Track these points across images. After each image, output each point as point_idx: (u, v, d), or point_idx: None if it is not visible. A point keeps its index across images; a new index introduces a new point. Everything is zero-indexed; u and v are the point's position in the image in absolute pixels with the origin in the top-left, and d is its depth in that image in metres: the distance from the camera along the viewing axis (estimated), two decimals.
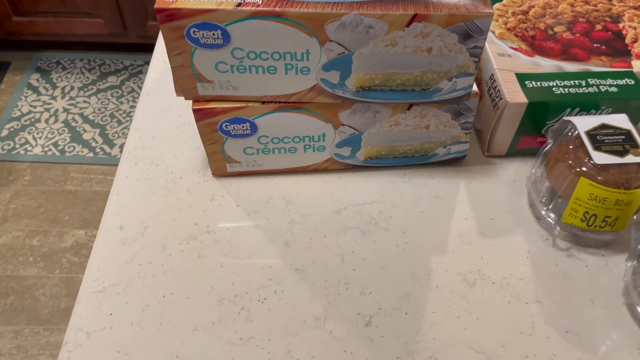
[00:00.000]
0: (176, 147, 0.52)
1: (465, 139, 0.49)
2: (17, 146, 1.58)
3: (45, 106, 1.68)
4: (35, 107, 1.68)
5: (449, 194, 0.49)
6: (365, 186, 0.50)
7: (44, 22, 1.69)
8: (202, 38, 0.40)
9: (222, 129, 0.45)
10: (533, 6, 0.56)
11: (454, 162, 0.52)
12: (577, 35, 0.53)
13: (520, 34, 0.53)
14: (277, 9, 0.38)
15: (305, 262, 0.44)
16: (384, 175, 0.50)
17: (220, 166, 0.49)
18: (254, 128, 0.46)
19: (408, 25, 0.39)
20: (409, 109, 0.46)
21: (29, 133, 1.61)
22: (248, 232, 0.46)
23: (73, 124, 1.64)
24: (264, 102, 0.44)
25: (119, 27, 1.69)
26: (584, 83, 0.49)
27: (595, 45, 0.52)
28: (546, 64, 0.50)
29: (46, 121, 1.64)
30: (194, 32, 0.39)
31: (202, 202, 0.48)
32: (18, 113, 1.66)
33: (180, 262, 0.44)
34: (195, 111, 0.44)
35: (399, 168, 0.51)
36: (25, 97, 1.71)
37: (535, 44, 0.52)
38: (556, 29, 0.53)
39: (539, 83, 0.48)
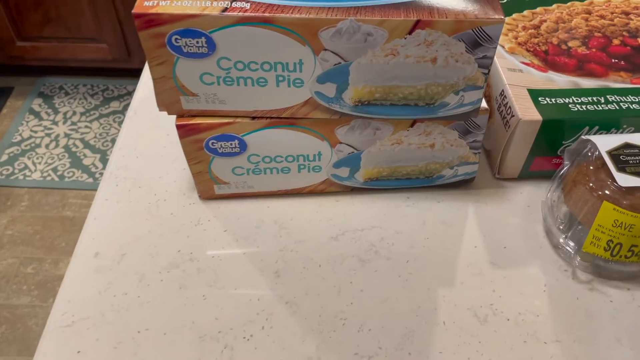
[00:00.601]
0: (161, 168, 0.48)
1: (474, 160, 0.45)
2: (16, 171, 1.55)
3: (47, 131, 1.66)
4: (36, 132, 1.66)
5: (457, 219, 0.45)
6: (365, 210, 0.46)
7: (47, 47, 1.68)
8: (184, 46, 0.36)
9: (209, 147, 0.42)
10: (545, 20, 0.52)
11: (461, 185, 0.47)
12: (593, 50, 0.49)
13: (532, 49, 0.49)
14: (266, 14, 0.35)
15: (298, 294, 0.40)
16: (385, 199, 0.46)
17: (208, 188, 0.45)
18: (243, 146, 0.42)
19: (410, 32, 0.35)
20: (412, 125, 0.42)
21: (29, 158, 1.59)
22: (235, 260, 0.42)
23: (74, 149, 1.62)
24: (254, 118, 0.41)
25: (122, 53, 1.68)
26: (602, 100, 0.45)
27: (613, 60, 0.48)
28: (561, 80, 0.46)
29: (46, 146, 1.62)
30: (175, 39, 0.36)
31: (186, 227, 0.44)
32: (19, 138, 1.64)
33: (158, 293, 0.40)
34: (178, 127, 0.40)
35: (401, 191, 0.47)
36: (27, 122, 1.69)
37: (549, 59, 0.48)
38: (570, 44, 0.50)
39: (553, 99, 0.44)
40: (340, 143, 0.42)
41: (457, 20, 0.35)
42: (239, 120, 0.40)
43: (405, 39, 0.36)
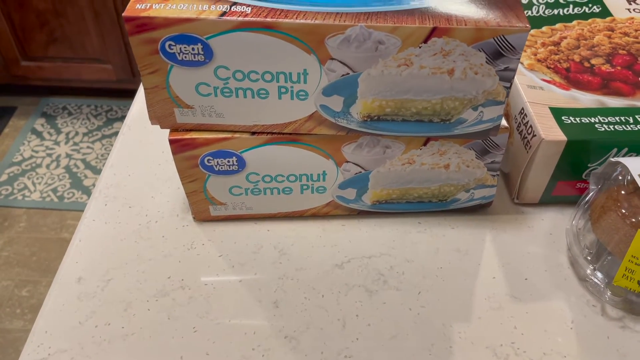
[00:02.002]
0: (154, 187, 0.45)
1: (492, 183, 0.41)
2: (15, 191, 1.53)
3: (48, 151, 1.64)
4: (37, 152, 1.64)
5: (473, 247, 0.41)
6: (373, 236, 0.42)
7: (52, 67, 1.67)
8: (179, 54, 0.33)
9: (204, 164, 0.38)
10: (565, 37, 0.49)
11: (478, 210, 0.44)
12: (618, 68, 0.46)
13: (552, 66, 0.46)
14: (268, 19, 0.32)
15: (298, 328, 0.36)
16: (395, 224, 0.43)
17: (203, 209, 0.42)
18: (241, 163, 0.39)
19: (426, 41, 0.32)
20: (425, 144, 0.38)
21: (29, 178, 1.56)
22: (231, 289, 0.38)
23: (74, 169, 1.59)
24: (253, 133, 0.37)
25: (127, 73, 1.67)
26: (631, 120, 0.41)
27: None
28: (585, 99, 0.43)
29: (47, 166, 1.60)
30: (169, 46, 0.33)
31: (178, 251, 0.41)
32: (19, 158, 1.62)
33: (145, 324, 0.36)
34: (171, 142, 0.37)
35: (413, 215, 0.43)
36: (29, 141, 1.67)
37: (571, 76, 0.45)
38: (593, 61, 0.46)
39: (578, 119, 0.41)
40: (347, 162, 0.39)
41: (478, 28, 0.32)
42: (237, 135, 0.37)
43: (420, 48, 0.33)
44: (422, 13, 0.32)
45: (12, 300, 1.30)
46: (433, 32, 0.32)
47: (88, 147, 1.66)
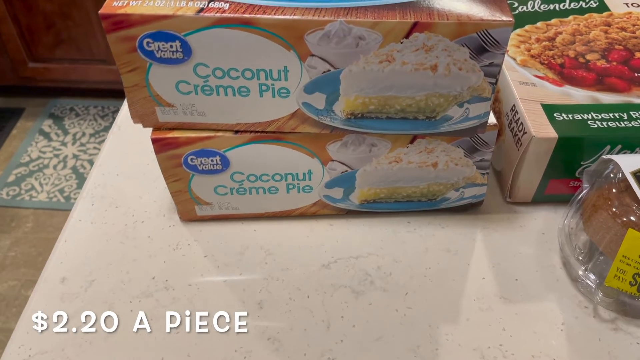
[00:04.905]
0: (142, 186, 0.45)
1: (482, 181, 0.41)
2: (23, 192, 1.54)
3: (55, 152, 1.65)
4: (44, 152, 1.65)
5: (463, 247, 0.41)
6: (361, 236, 0.41)
7: (59, 68, 1.68)
8: (157, 51, 0.33)
9: (188, 164, 0.38)
10: (560, 32, 0.48)
11: (468, 209, 0.43)
12: (614, 63, 0.45)
13: (546, 62, 0.45)
14: (246, 15, 0.31)
15: (282, 329, 0.36)
16: (383, 223, 0.42)
17: (189, 209, 0.41)
18: (225, 163, 0.38)
19: (407, 36, 0.32)
20: (412, 142, 0.38)
21: (36, 179, 1.58)
22: (215, 289, 0.38)
23: (81, 170, 1.60)
24: (236, 132, 0.37)
25: None
26: (625, 116, 0.40)
27: (636, 74, 0.44)
28: (578, 95, 0.42)
29: (54, 167, 1.61)
30: (147, 43, 0.32)
31: (164, 251, 0.40)
32: (27, 159, 1.63)
33: (127, 326, 0.36)
34: (154, 141, 0.37)
35: (401, 215, 0.43)
36: (36, 142, 1.69)
37: (565, 72, 0.44)
38: (588, 57, 0.45)
39: (570, 115, 0.40)
40: (333, 161, 0.38)
41: (460, 23, 0.31)
42: (220, 134, 0.37)
43: (401, 43, 0.32)
44: (403, 7, 0.32)
45: (18, 300, 1.31)
46: (414, 27, 0.31)
47: (95, 147, 1.67)
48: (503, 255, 0.40)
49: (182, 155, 0.38)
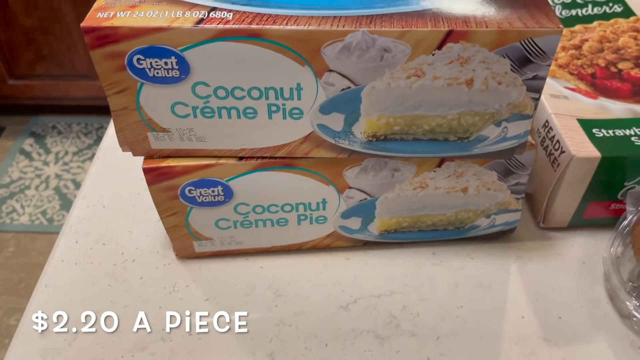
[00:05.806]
0: (132, 219, 0.40)
1: (516, 207, 0.36)
2: (3, 215, 1.47)
3: (37, 172, 1.59)
4: (26, 173, 1.59)
5: (497, 281, 0.36)
6: (382, 270, 0.37)
7: (40, 85, 1.62)
8: (150, 69, 0.28)
9: (185, 195, 0.33)
10: (586, 40, 0.44)
11: (499, 237, 0.39)
12: None
13: (575, 72, 0.41)
14: (253, 26, 0.27)
15: None
16: (406, 255, 0.38)
17: (186, 245, 0.36)
18: (228, 193, 0.33)
19: (440, 47, 0.27)
20: (439, 165, 0.33)
21: (17, 201, 1.51)
22: (219, 339, 0.33)
23: (64, 190, 1.54)
24: (241, 158, 0.32)
25: None
26: None
27: None
28: (616, 108, 0.38)
29: (36, 188, 1.54)
30: (138, 60, 0.28)
31: (158, 294, 0.35)
32: (7, 180, 1.57)
33: None
34: (146, 171, 0.32)
35: (425, 245, 0.38)
36: (17, 163, 1.62)
37: (597, 83, 0.40)
38: (620, 66, 0.42)
39: (611, 131, 0.36)
40: (350, 188, 0.34)
41: (501, 31, 0.27)
42: (222, 161, 0.32)
43: (433, 55, 0.28)
44: (435, 14, 0.27)
45: (0, 329, 1.24)
46: (448, 36, 0.27)
47: (78, 166, 1.61)
48: (542, 288, 0.36)
49: (178, 187, 0.33)
